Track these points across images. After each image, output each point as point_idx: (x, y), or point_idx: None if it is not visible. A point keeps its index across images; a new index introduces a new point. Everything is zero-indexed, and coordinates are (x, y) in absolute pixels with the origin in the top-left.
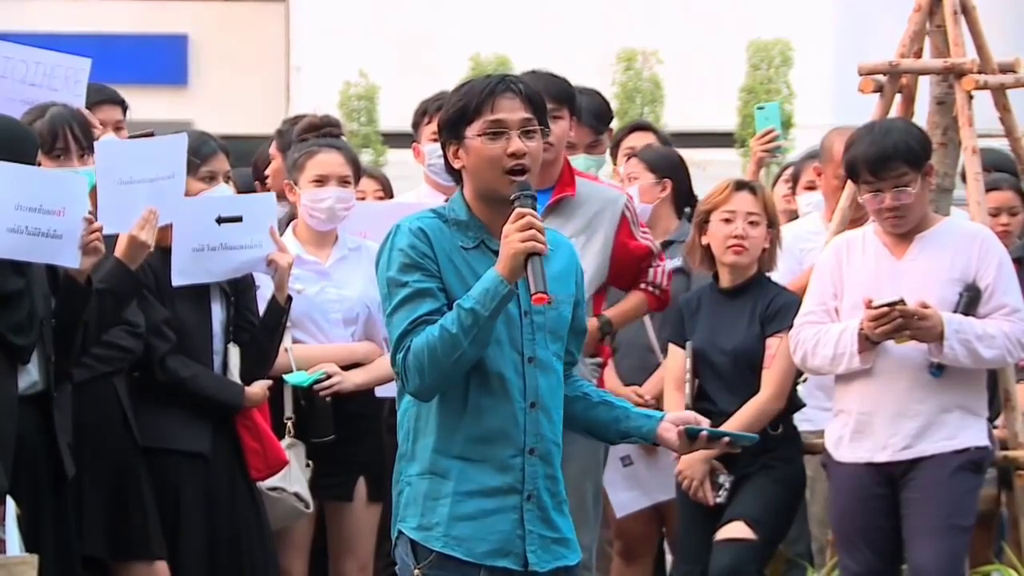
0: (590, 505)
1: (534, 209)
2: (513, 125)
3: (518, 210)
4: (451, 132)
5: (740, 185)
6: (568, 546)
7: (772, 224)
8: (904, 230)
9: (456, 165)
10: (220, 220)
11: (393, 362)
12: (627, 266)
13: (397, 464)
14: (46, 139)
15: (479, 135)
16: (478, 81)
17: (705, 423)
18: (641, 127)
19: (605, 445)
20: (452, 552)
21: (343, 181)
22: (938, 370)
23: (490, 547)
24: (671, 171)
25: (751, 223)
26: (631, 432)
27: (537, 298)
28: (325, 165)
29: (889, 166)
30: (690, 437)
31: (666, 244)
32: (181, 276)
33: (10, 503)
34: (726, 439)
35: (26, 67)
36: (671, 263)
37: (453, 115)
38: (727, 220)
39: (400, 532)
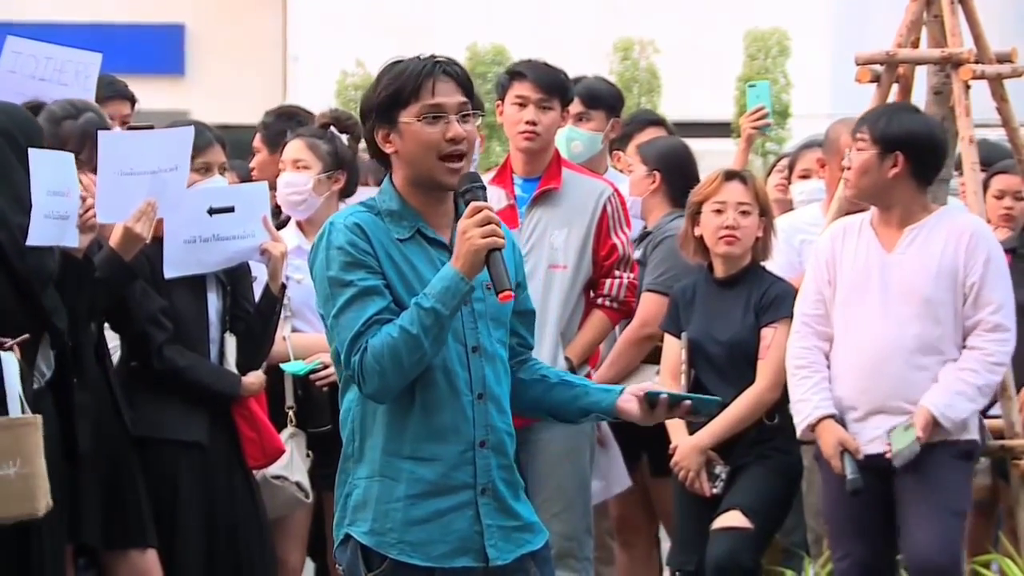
0: (571, 489)
1: (486, 200)
2: (451, 109)
3: (473, 204)
4: (382, 116)
5: (730, 175)
6: (532, 530)
7: (764, 213)
8: (854, 197)
9: (387, 150)
10: (212, 211)
11: (346, 364)
12: (594, 260)
13: (342, 465)
14: (74, 144)
15: (416, 119)
16: (411, 63)
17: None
18: (654, 122)
19: (591, 430)
20: (408, 559)
21: (296, 165)
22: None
23: (448, 548)
24: (661, 163)
25: (742, 213)
26: (591, 408)
27: (504, 296)
28: (285, 154)
29: (859, 129)
30: (650, 404)
31: (645, 234)
32: (173, 268)
33: (7, 359)
34: (687, 402)
35: (36, 62)
36: (635, 254)
37: (385, 98)
38: (718, 211)
39: (348, 536)
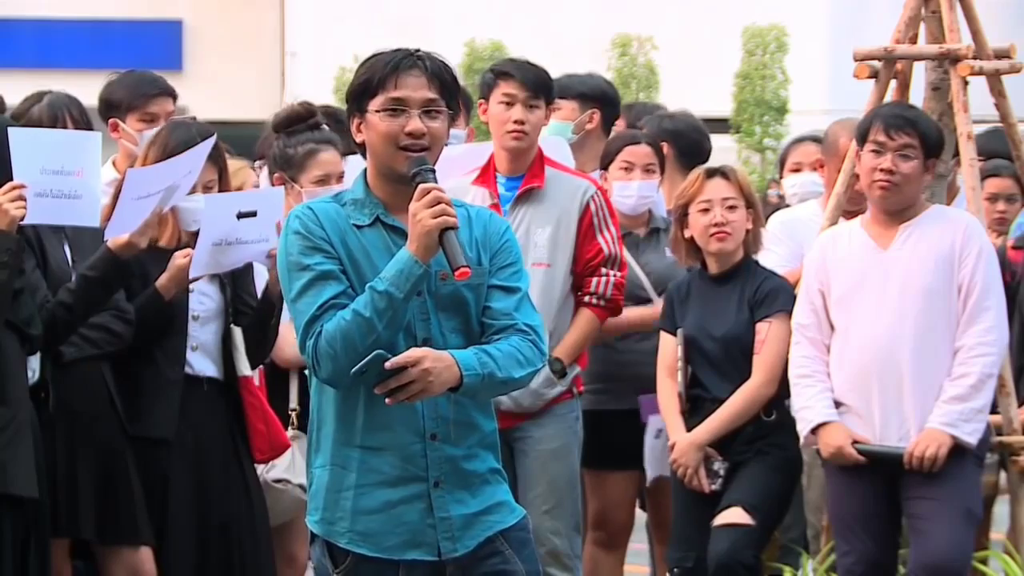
0: (562, 488)
1: (436, 182)
2: (414, 104)
3: (423, 186)
4: (355, 105)
5: (711, 172)
6: (499, 511)
7: (750, 205)
8: (890, 206)
9: (358, 139)
10: (240, 215)
11: (302, 348)
12: (578, 258)
13: (307, 455)
14: (46, 123)
15: (378, 111)
16: (385, 54)
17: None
18: (635, 142)
19: (580, 429)
20: (357, 549)
21: (340, 179)
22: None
23: (398, 540)
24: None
25: (729, 208)
26: None
27: (460, 273)
28: (327, 165)
29: (904, 130)
30: None
31: (654, 231)
32: (198, 268)
33: None
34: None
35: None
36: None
37: (357, 88)
38: (705, 209)
39: (313, 532)
